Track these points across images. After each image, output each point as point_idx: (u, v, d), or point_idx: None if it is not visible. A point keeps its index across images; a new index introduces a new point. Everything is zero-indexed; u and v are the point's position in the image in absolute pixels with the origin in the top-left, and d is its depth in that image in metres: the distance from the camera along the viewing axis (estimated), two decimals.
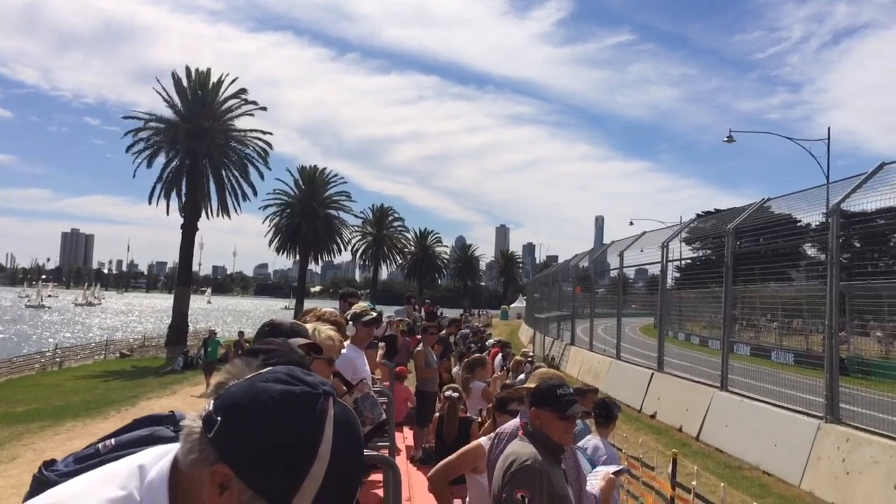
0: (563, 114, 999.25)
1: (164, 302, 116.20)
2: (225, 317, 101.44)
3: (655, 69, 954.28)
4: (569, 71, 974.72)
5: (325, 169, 66.30)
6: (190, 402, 19.36)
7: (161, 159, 42.16)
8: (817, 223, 12.53)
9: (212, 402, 1.06)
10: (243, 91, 45.15)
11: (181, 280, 45.55)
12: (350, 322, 5.15)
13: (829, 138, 30.97)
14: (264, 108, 46.63)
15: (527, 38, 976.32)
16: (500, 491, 3.25)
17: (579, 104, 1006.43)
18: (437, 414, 8.29)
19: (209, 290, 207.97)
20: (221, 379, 1.11)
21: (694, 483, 6.95)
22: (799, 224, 13.27)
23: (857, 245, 13.86)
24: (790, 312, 16.01)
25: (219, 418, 1.02)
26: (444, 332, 14.54)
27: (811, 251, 15.86)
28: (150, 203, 42.32)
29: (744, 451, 11.66)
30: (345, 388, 3.92)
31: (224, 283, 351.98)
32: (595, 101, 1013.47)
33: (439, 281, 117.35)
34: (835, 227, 10.46)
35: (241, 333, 26.16)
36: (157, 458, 1.10)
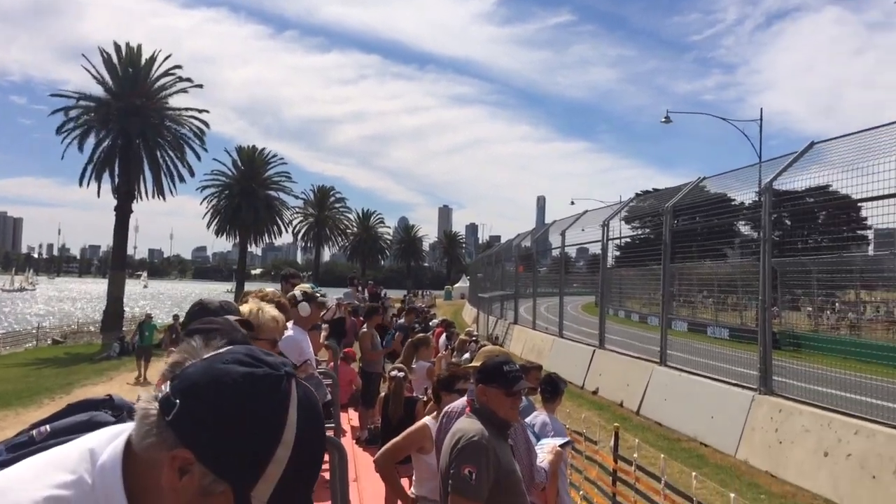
0: (504, 94, 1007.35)
1: (98, 287, 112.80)
2: (164, 301, 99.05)
3: (595, 50, 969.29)
4: (510, 51, 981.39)
5: (264, 149, 64.95)
6: (127, 388, 18.85)
7: (92, 139, 40.63)
8: (750, 201, 12.83)
9: (168, 383, 1.02)
10: (177, 67, 43.73)
11: (115, 264, 44.11)
12: (304, 302, 5.12)
13: (761, 119, 31.83)
14: (200, 86, 45.42)
15: (468, 17, 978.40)
16: (447, 467, 3.25)
17: (520, 84, 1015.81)
18: (383, 394, 8.26)
19: (145, 274, 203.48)
20: (177, 359, 1.06)
21: (635, 455, 7.09)
22: (733, 203, 13.59)
23: (788, 223, 14.27)
24: (725, 289, 16.48)
25: (177, 401, 0.98)
26: (402, 320, 14.63)
27: (745, 229, 16.33)
28: (81, 185, 40.68)
29: (682, 424, 11.97)
30: None
31: (161, 266, 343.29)
32: (536, 81, 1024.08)
33: (382, 262, 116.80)
34: (767, 206, 10.72)
35: (175, 317, 25.52)
36: (108, 441, 1.04)
